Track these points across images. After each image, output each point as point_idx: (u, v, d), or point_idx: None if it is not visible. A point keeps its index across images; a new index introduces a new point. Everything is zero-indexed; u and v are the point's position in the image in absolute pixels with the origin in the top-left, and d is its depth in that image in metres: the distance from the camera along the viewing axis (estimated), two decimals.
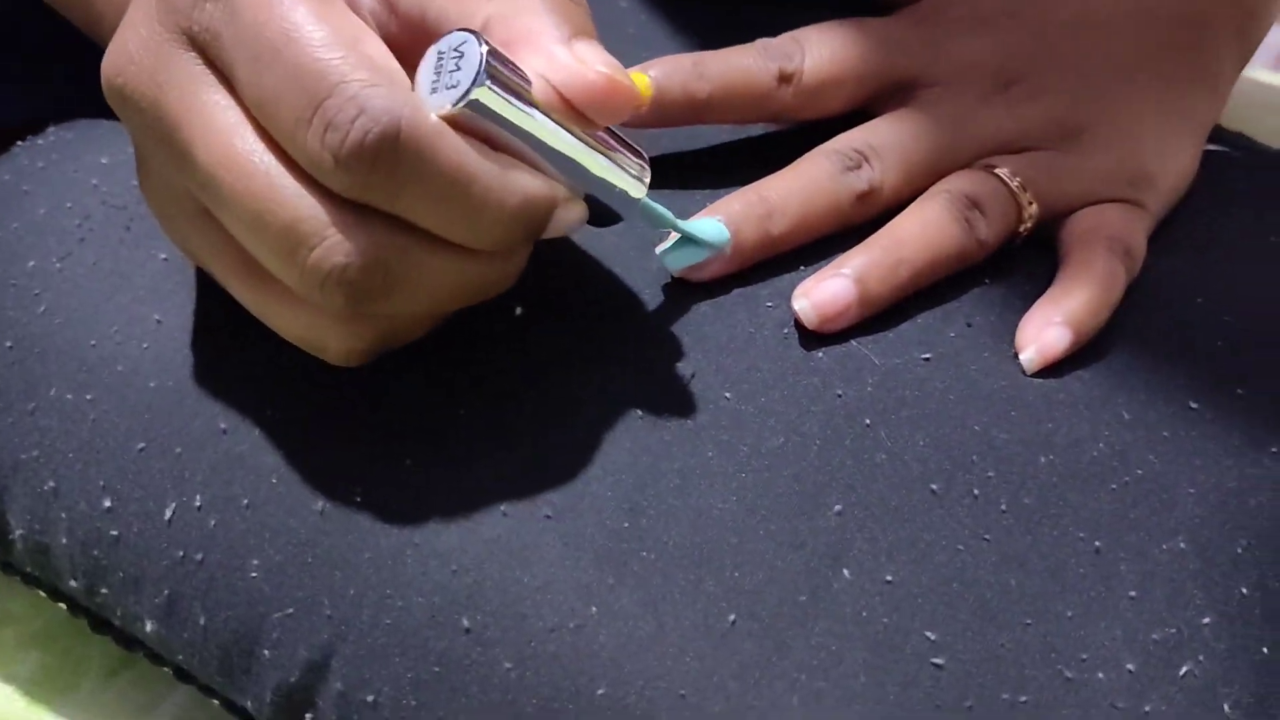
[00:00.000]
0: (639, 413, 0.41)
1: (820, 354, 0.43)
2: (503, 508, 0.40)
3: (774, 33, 0.48)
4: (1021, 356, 0.44)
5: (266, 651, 0.41)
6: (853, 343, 0.43)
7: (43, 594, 0.46)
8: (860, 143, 0.46)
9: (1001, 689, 0.38)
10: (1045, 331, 0.44)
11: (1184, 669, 0.38)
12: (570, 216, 0.39)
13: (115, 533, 0.42)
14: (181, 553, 0.41)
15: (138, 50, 0.37)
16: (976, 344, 0.44)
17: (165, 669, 0.45)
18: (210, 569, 0.41)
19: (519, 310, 0.43)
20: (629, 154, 0.40)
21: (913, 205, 0.46)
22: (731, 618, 0.38)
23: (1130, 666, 0.38)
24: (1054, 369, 0.44)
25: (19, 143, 0.49)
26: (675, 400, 0.42)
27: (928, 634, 0.38)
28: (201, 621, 0.41)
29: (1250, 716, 0.38)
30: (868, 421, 0.42)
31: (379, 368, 0.40)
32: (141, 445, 0.42)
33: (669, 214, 0.42)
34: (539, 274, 0.42)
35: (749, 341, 0.43)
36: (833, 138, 0.47)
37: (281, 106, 0.34)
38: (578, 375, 0.42)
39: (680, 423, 0.41)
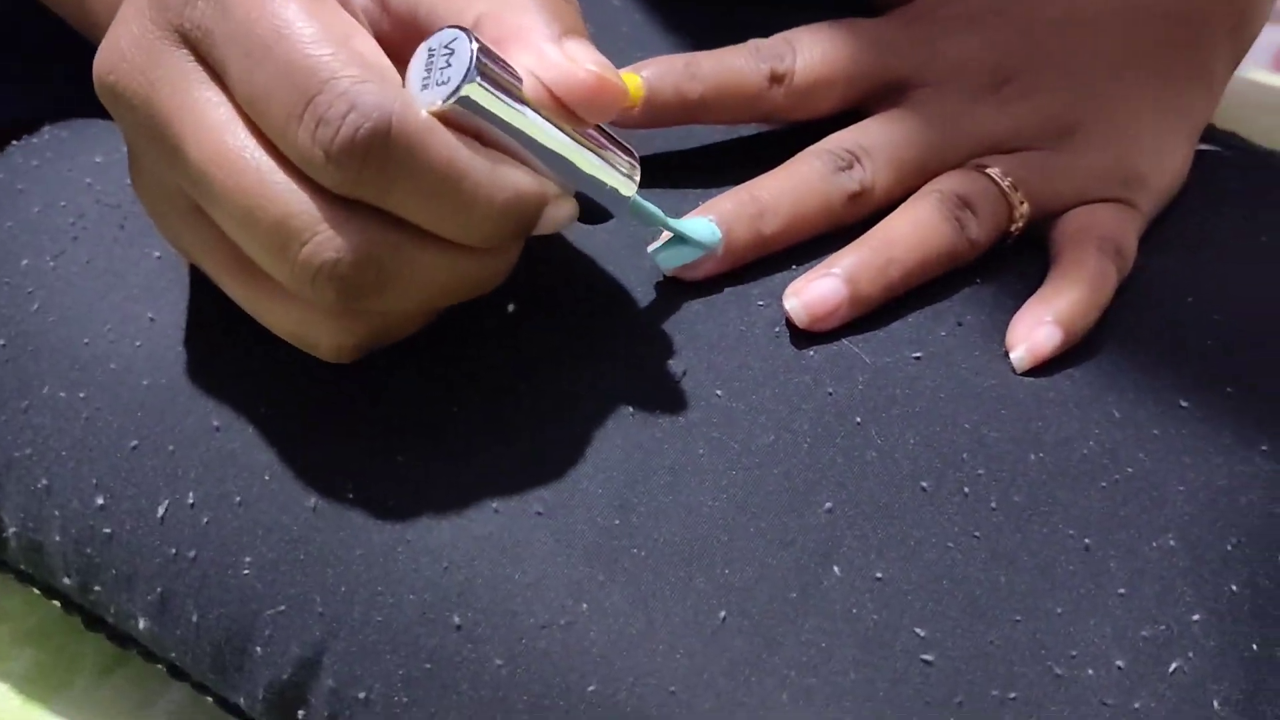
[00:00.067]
0: (630, 410, 0.41)
1: (811, 352, 0.43)
2: (494, 504, 0.40)
3: (767, 33, 0.48)
4: (1012, 355, 0.44)
5: (259, 649, 0.41)
6: (844, 341, 0.43)
7: (37, 592, 0.46)
8: (852, 143, 0.46)
9: (991, 686, 0.38)
10: (1036, 330, 0.44)
11: (1173, 666, 0.39)
12: (561, 214, 0.39)
13: (108, 530, 0.42)
14: (174, 550, 0.41)
15: (130, 47, 0.37)
16: (967, 343, 0.44)
17: (159, 667, 0.45)
18: (203, 566, 0.41)
19: (511, 308, 0.43)
20: (619, 152, 0.40)
21: (904, 205, 0.46)
22: (722, 615, 0.39)
23: (1120, 663, 0.38)
24: (1044, 368, 0.44)
25: (14, 141, 0.49)
26: (666, 397, 0.42)
27: (917, 631, 0.38)
28: (194, 619, 0.41)
29: (1240, 713, 0.38)
30: (858, 419, 0.42)
31: (371, 365, 0.41)
32: (134, 443, 0.42)
33: (660, 212, 0.42)
34: (531, 272, 0.42)
35: (740, 339, 0.43)
36: (824, 138, 0.47)
37: (273, 103, 0.35)
38: (569, 373, 0.42)
39: (671, 420, 0.41)
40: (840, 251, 0.44)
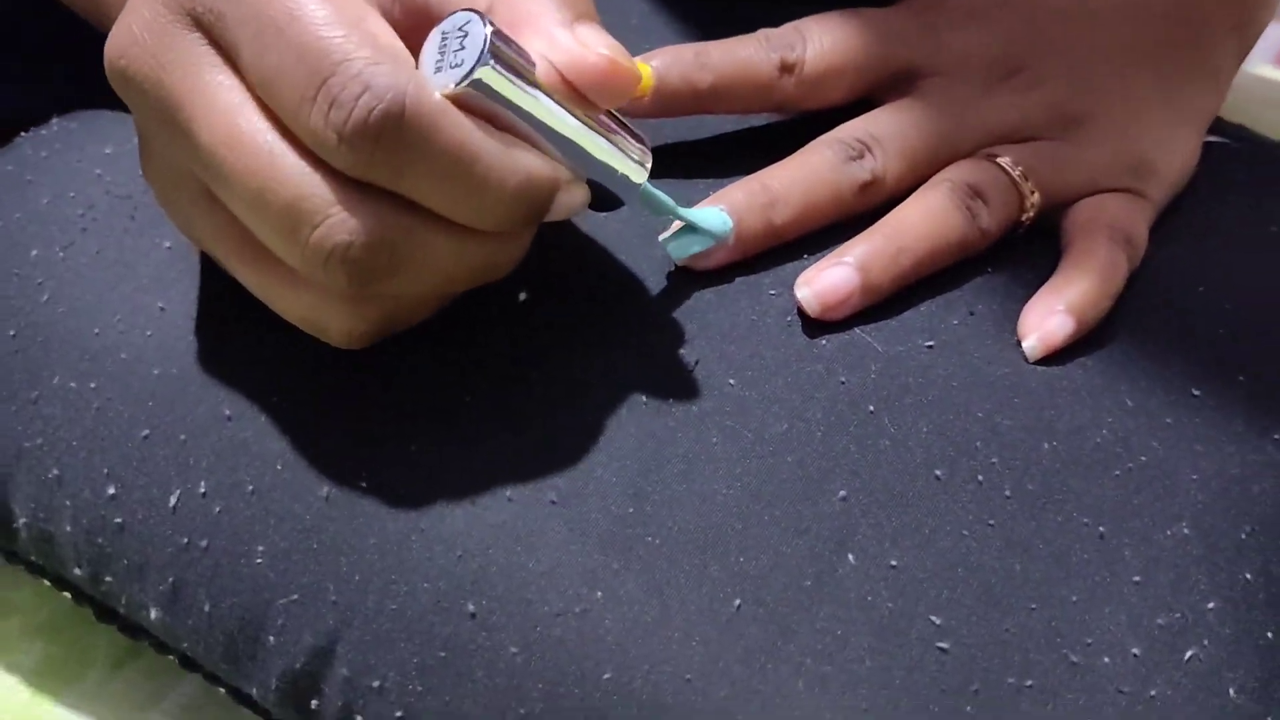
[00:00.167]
0: (643, 399, 0.41)
1: (823, 341, 0.43)
2: (508, 493, 0.40)
3: (775, 24, 0.48)
4: (1024, 344, 0.44)
5: (271, 638, 0.40)
6: (856, 330, 0.43)
7: (47, 583, 0.46)
8: (862, 132, 0.46)
9: (1007, 673, 0.38)
10: (1048, 320, 0.44)
11: (1189, 653, 0.38)
12: (573, 199, 0.39)
13: (119, 520, 0.42)
14: (186, 539, 0.41)
15: (141, 31, 0.37)
16: (979, 332, 0.44)
17: (171, 659, 0.45)
18: (215, 555, 0.41)
19: (523, 296, 0.43)
20: (631, 140, 0.40)
21: (915, 194, 0.46)
22: (736, 603, 0.38)
23: (1135, 651, 0.38)
24: (1056, 357, 0.44)
25: (22, 133, 0.49)
26: (679, 386, 0.42)
27: (932, 619, 0.38)
28: (206, 608, 0.41)
29: (1255, 701, 0.38)
30: (871, 408, 0.42)
31: (383, 353, 0.41)
32: (146, 432, 0.42)
33: (671, 202, 0.42)
34: (543, 260, 0.42)
35: (752, 329, 0.43)
36: (835, 128, 0.47)
37: (285, 85, 0.34)
38: (582, 361, 0.42)
39: (684, 409, 0.41)
40: (852, 240, 0.44)
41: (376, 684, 0.39)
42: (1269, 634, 0.39)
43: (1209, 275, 0.48)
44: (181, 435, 0.42)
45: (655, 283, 0.44)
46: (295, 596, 0.40)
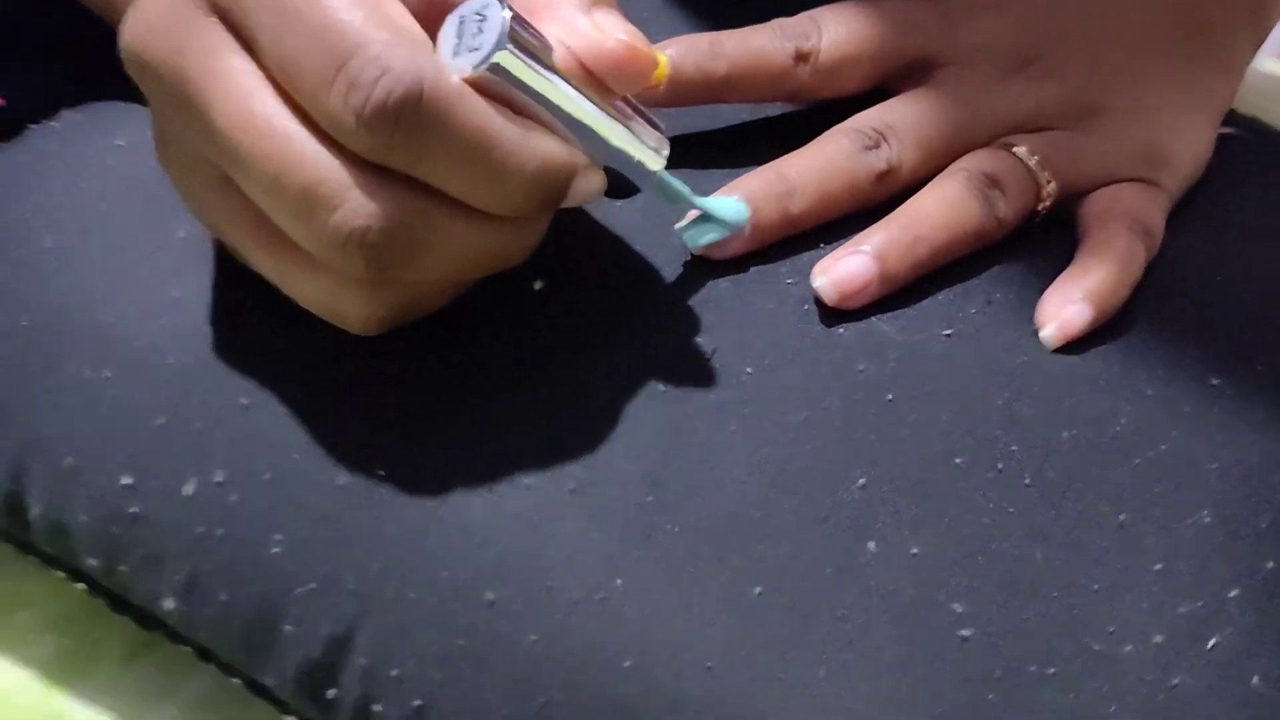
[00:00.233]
0: (661, 387, 0.41)
1: (841, 330, 0.43)
2: (526, 481, 0.40)
3: (789, 14, 0.48)
4: (1042, 333, 0.44)
5: (289, 627, 0.40)
6: (873, 319, 0.43)
7: (61, 576, 0.46)
8: (878, 122, 0.46)
9: (1029, 661, 0.38)
10: (1066, 308, 0.44)
11: (1212, 642, 0.38)
12: (590, 185, 0.39)
13: (135, 509, 0.42)
14: (202, 529, 0.41)
15: (158, 17, 0.36)
16: (997, 321, 0.44)
17: (185, 651, 0.44)
18: (231, 545, 0.41)
19: (539, 285, 0.43)
20: (649, 127, 0.40)
21: (932, 183, 0.46)
22: (757, 590, 0.38)
23: (1158, 639, 0.38)
24: (1075, 346, 0.44)
25: (31, 125, 0.49)
26: (697, 375, 0.42)
27: (954, 606, 0.38)
28: (223, 598, 0.41)
29: (1278, 689, 0.38)
30: (890, 397, 0.42)
31: (400, 341, 0.40)
32: (161, 421, 0.42)
33: (687, 191, 0.42)
34: (559, 249, 0.42)
35: (769, 317, 0.43)
36: (850, 117, 0.46)
37: (303, 68, 0.34)
38: (599, 349, 0.42)
39: (703, 397, 0.41)
40: (869, 229, 0.44)
41: (395, 673, 0.39)
42: None
43: (1227, 266, 0.48)
44: (197, 424, 0.41)
45: (671, 272, 0.44)
46: (313, 585, 0.40)
